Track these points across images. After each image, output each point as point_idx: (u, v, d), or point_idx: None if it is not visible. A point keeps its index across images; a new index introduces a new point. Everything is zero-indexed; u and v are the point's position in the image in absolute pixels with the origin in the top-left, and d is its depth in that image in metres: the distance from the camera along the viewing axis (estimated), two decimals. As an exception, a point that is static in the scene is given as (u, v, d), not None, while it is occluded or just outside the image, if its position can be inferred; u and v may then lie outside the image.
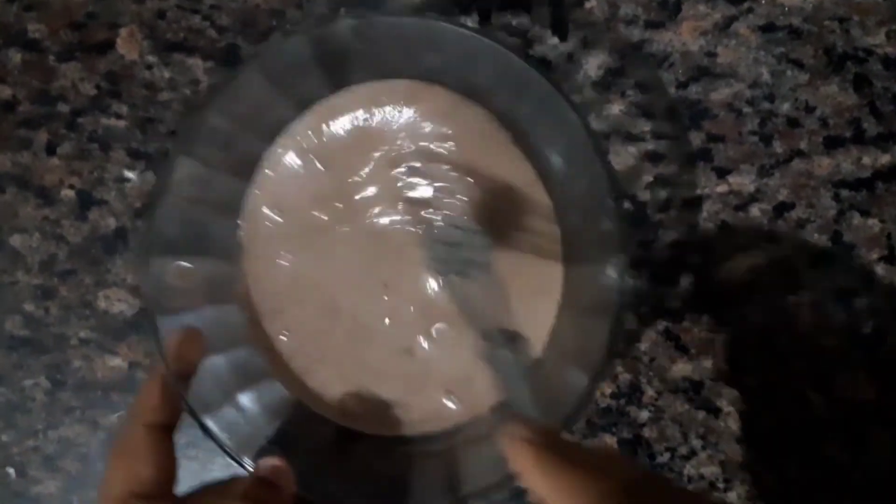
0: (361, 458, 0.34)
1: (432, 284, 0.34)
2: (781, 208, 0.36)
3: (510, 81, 0.31)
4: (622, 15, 0.37)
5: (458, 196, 0.34)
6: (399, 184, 0.35)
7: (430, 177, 0.34)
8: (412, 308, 0.35)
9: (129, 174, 0.39)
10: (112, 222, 0.39)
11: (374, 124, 0.35)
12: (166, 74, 0.39)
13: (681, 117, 0.37)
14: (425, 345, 0.35)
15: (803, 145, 0.37)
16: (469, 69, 0.32)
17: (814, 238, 0.36)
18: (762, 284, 0.36)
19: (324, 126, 0.35)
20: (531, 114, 0.33)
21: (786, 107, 0.37)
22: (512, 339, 0.32)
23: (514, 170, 0.34)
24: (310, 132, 0.35)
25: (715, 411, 0.36)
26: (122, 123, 0.39)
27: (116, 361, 0.38)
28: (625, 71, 0.37)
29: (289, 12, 0.38)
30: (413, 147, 0.34)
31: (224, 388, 0.32)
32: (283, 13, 0.38)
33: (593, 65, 0.37)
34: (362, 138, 0.35)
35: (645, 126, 0.37)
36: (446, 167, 0.34)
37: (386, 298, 0.35)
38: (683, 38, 0.37)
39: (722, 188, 0.37)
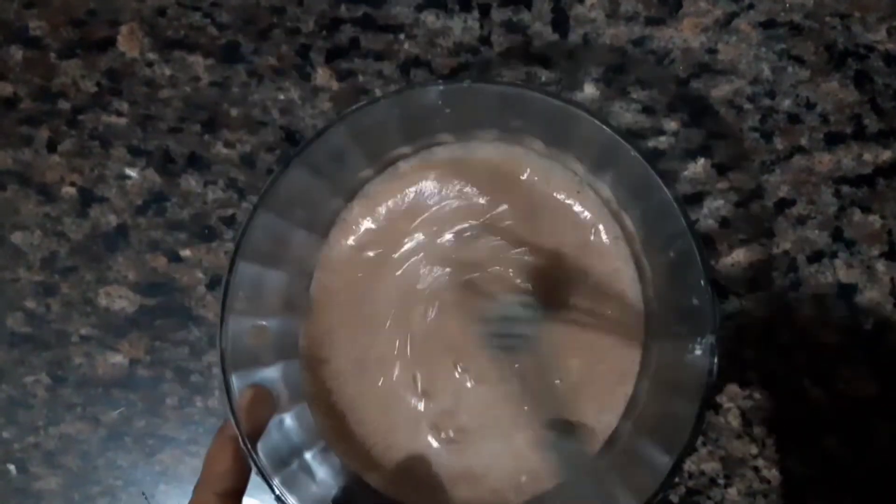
0: None
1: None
2: (782, 204, 0.36)
3: (594, 148, 0.31)
4: (623, 11, 0.37)
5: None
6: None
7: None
8: (449, 395, 0.34)
9: (130, 171, 0.39)
10: (113, 219, 0.39)
11: (461, 187, 0.34)
12: (167, 72, 0.39)
13: (681, 114, 0.37)
14: (456, 433, 0.34)
15: (804, 142, 0.36)
16: (554, 134, 0.32)
17: (814, 234, 0.36)
18: (763, 280, 0.36)
19: (408, 188, 0.35)
20: (615, 182, 0.32)
21: (786, 103, 0.37)
22: (573, 430, 0.31)
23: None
24: (391, 192, 0.35)
25: (715, 407, 0.36)
26: (122, 121, 0.39)
27: (118, 358, 0.38)
28: (625, 68, 0.37)
29: (289, 9, 0.38)
30: (496, 213, 0.34)
31: (291, 447, 0.32)
32: (284, 10, 0.38)
33: (594, 62, 0.37)
34: (450, 202, 0.34)
35: (645, 123, 0.37)
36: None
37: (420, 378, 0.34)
38: (684, 34, 0.37)
39: (722, 184, 0.37)
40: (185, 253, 0.38)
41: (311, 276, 0.35)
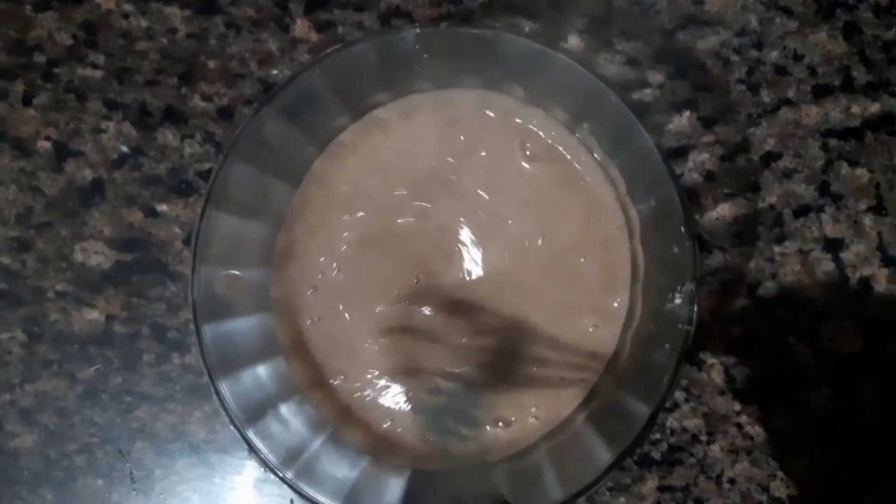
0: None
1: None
2: (768, 158, 0.36)
3: (576, 95, 0.30)
4: (607, -39, 0.36)
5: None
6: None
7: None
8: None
9: (106, 125, 0.38)
10: (89, 174, 0.38)
11: (436, 135, 0.34)
12: (143, 23, 0.38)
13: (667, 66, 0.36)
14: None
15: (791, 94, 0.36)
16: (535, 81, 0.32)
17: (801, 188, 0.36)
18: (748, 235, 0.35)
19: (380, 134, 0.34)
20: (597, 130, 0.32)
21: (774, 55, 0.36)
22: None
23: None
24: (366, 140, 0.34)
25: (698, 363, 0.35)
26: (98, 74, 0.38)
27: (94, 314, 0.38)
28: (610, 19, 0.36)
29: (267, -41, 0.37)
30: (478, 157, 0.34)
31: (266, 400, 0.31)
32: (262, -41, 0.37)
33: (577, 12, 0.36)
34: (420, 149, 0.34)
35: (630, 75, 0.36)
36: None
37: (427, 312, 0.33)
38: (670, -16, 0.36)
39: (708, 138, 0.36)
40: (162, 208, 0.38)
41: (284, 223, 0.34)
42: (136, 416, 0.38)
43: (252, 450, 0.30)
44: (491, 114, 0.34)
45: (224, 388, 0.30)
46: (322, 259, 0.34)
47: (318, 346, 0.33)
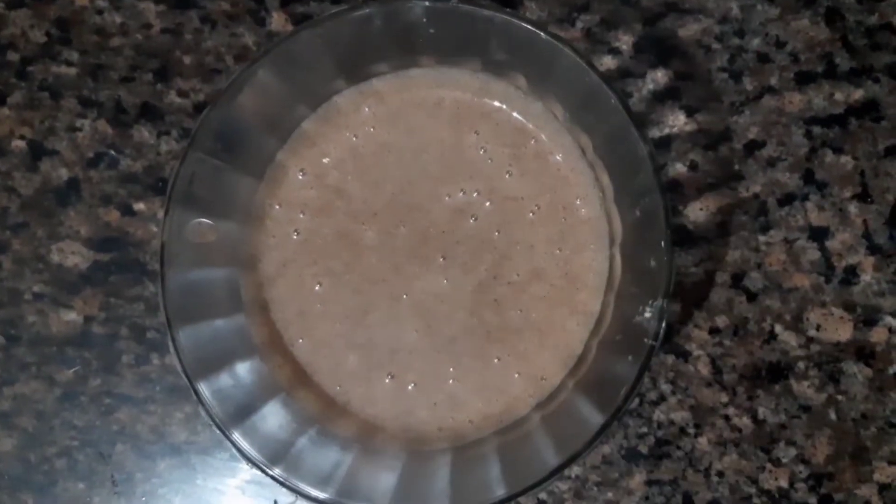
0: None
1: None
2: (752, 147, 0.35)
3: (578, 93, 0.30)
4: (587, -51, 0.36)
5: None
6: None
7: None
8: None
9: (81, 123, 0.37)
10: (64, 173, 0.37)
11: (432, 109, 0.33)
12: (117, 19, 0.37)
13: (648, 55, 0.36)
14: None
15: (774, 81, 0.35)
16: (538, 71, 0.31)
17: (785, 176, 0.35)
18: (732, 224, 0.35)
19: (370, 105, 0.33)
20: (593, 129, 0.31)
21: (756, 42, 0.36)
22: None
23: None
24: (359, 106, 0.33)
25: (684, 355, 0.35)
26: (72, 71, 0.37)
27: (71, 315, 0.37)
28: (589, 6, 0.36)
29: (242, -48, 0.37)
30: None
31: (250, 398, 0.31)
32: (237, -47, 0.37)
33: (555, 1, 0.36)
34: (416, 121, 0.33)
35: (611, 64, 0.36)
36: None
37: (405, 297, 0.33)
38: (650, -28, 0.36)
39: (690, 127, 0.35)
40: (139, 206, 0.37)
41: (263, 180, 0.33)
42: (117, 418, 0.37)
43: (201, 402, 0.29)
44: (489, 101, 0.33)
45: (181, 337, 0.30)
46: (292, 258, 0.33)
47: (292, 346, 0.33)
